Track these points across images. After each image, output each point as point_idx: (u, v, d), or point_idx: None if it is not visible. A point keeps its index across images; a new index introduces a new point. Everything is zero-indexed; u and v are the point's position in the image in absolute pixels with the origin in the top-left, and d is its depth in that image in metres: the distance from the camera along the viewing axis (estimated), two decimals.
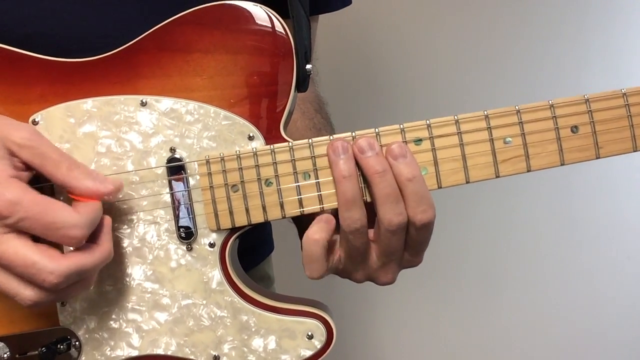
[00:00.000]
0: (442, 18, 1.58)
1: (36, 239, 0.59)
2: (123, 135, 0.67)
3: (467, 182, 0.66)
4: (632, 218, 1.64)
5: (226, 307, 0.68)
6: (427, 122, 0.66)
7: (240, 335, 0.68)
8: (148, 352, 0.68)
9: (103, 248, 0.62)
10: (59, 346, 0.67)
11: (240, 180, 0.67)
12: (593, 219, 1.64)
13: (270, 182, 0.67)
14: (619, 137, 0.67)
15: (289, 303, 0.69)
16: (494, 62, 1.57)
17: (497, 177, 0.67)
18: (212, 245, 0.68)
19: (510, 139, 0.66)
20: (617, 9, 1.56)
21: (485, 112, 0.66)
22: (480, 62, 1.57)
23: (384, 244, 0.66)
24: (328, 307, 0.71)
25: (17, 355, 0.67)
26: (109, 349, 0.68)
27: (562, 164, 0.67)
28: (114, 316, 0.68)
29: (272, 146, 0.66)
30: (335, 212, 0.66)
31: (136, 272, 0.68)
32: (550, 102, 0.66)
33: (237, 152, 0.67)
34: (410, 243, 0.67)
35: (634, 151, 0.67)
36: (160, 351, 0.68)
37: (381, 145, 0.65)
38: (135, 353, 0.68)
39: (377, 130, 0.66)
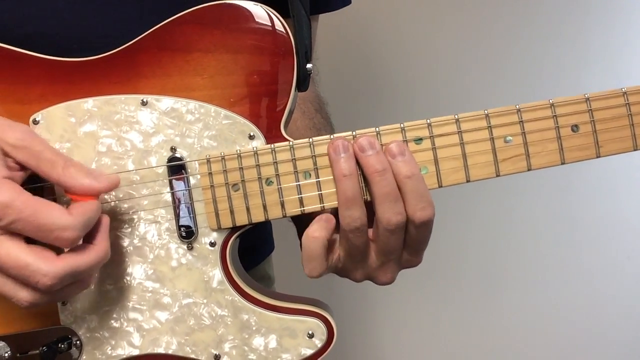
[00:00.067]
0: (442, 18, 1.58)
1: (31, 240, 0.59)
2: (124, 134, 0.67)
3: (468, 181, 0.67)
4: (632, 218, 1.64)
5: (227, 306, 0.68)
6: (428, 121, 0.66)
7: (241, 334, 0.68)
8: (149, 351, 0.68)
9: (98, 248, 0.61)
10: (59, 345, 0.67)
11: (241, 180, 0.67)
12: (593, 219, 1.64)
13: (271, 181, 0.67)
14: (619, 136, 0.67)
15: (289, 302, 0.69)
16: (494, 62, 1.57)
17: (498, 176, 0.67)
18: (212, 244, 0.68)
19: (510, 137, 0.66)
20: (617, 9, 1.56)
21: (486, 111, 0.66)
22: (480, 62, 1.57)
23: (382, 243, 0.66)
24: (329, 306, 0.71)
25: (18, 355, 0.67)
26: (109, 348, 0.68)
27: (563, 163, 0.67)
28: (114, 315, 0.68)
29: (272, 145, 0.67)
30: (335, 212, 0.66)
31: (137, 271, 0.68)
32: (550, 101, 0.66)
33: (238, 151, 0.67)
34: (410, 242, 0.67)
35: (634, 150, 0.67)
36: (161, 350, 0.68)
37: (382, 145, 0.65)
38: (136, 352, 0.68)
39: (377, 129, 0.66)
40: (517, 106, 0.66)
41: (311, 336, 0.68)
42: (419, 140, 0.66)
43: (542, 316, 1.69)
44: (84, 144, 0.67)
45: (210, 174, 0.67)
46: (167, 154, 0.67)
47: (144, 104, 0.67)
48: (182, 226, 0.67)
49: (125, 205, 0.67)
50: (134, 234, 0.68)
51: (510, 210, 1.64)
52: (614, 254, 1.65)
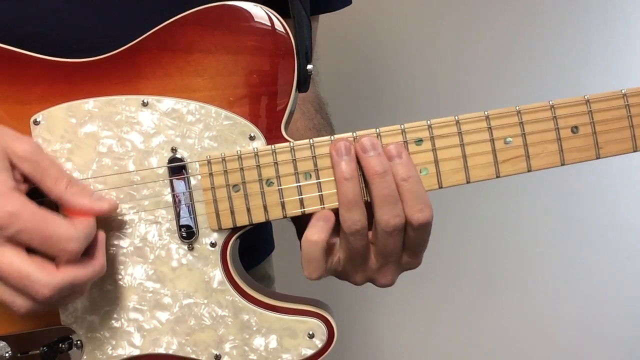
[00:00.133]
0: (442, 18, 1.58)
1: (30, 251, 0.59)
2: (124, 135, 0.67)
3: (468, 182, 0.67)
4: (632, 218, 1.64)
5: (227, 307, 0.68)
6: (428, 122, 0.66)
7: (241, 335, 0.68)
8: (149, 351, 0.68)
9: (96, 262, 0.62)
10: (60, 345, 0.67)
11: (242, 181, 0.67)
12: (593, 219, 1.64)
13: (272, 182, 0.67)
14: (619, 137, 0.67)
15: (290, 302, 0.69)
16: (494, 62, 1.57)
17: (498, 177, 0.67)
18: (213, 244, 0.68)
19: (510, 139, 0.66)
20: (617, 9, 1.56)
21: (486, 113, 0.66)
22: (480, 62, 1.57)
23: (381, 245, 0.66)
24: (329, 306, 0.71)
25: (18, 355, 0.67)
26: (110, 348, 0.68)
27: (563, 164, 0.67)
28: (115, 315, 0.68)
29: (273, 146, 0.67)
30: (336, 212, 0.66)
31: (137, 272, 0.68)
32: (550, 102, 0.66)
33: (238, 152, 0.67)
34: (409, 244, 0.67)
35: (634, 151, 0.68)
36: (161, 350, 0.68)
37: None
38: (136, 352, 0.68)
39: (378, 130, 0.66)
40: (517, 107, 0.66)
41: (311, 336, 0.68)
42: (419, 141, 0.66)
43: (542, 316, 1.69)
44: (85, 144, 0.67)
45: (210, 174, 0.67)
46: (168, 154, 0.67)
47: (144, 104, 0.67)
48: (183, 227, 0.68)
49: (126, 206, 0.67)
50: (134, 235, 0.68)
51: (510, 210, 1.64)
52: (614, 254, 1.65)
